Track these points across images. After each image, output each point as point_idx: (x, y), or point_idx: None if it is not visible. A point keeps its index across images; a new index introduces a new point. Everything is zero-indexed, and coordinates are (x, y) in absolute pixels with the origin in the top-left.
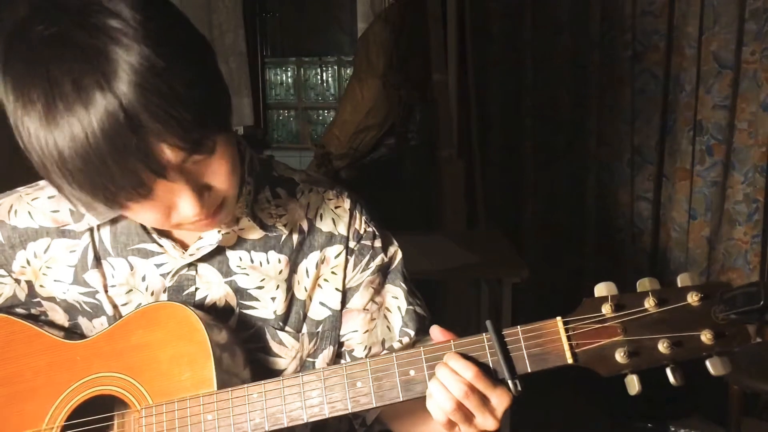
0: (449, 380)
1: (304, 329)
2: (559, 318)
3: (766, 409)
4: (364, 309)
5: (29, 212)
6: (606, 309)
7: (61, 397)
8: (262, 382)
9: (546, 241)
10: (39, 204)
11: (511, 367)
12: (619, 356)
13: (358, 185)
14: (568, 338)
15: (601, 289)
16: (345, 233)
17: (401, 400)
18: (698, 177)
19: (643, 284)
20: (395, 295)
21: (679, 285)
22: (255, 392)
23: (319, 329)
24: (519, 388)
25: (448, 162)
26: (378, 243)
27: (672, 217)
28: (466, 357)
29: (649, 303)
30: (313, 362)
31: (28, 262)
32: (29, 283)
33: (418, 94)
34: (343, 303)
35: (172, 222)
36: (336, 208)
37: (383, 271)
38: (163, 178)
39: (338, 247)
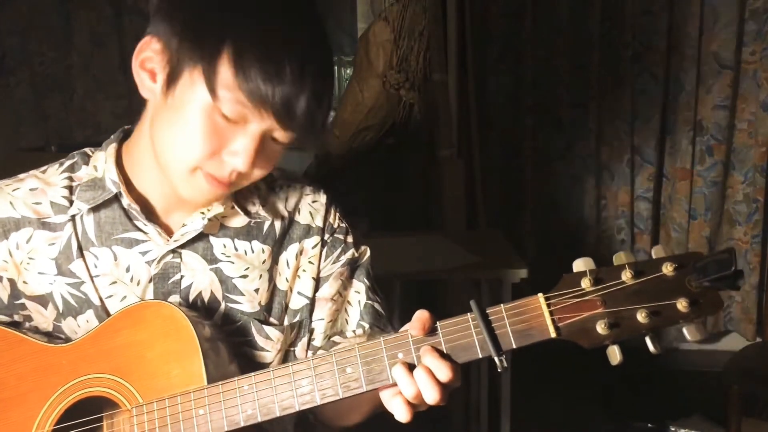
0: (424, 380)
1: (286, 321)
2: (540, 294)
3: (766, 409)
4: (332, 299)
5: (10, 202)
6: (585, 283)
7: (49, 402)
8: (252, 374)
9: (546, 241)
10: (20, 194)
11: (496, 344)
12: (600, 328)
13: (358, 185)
14: (551, 313)
15: (579, 265)
16: (321, 225)
17: (391, 382)
18: (698, 177)
19: (620, 257)
20: (357, 290)
21: (654, 256)
22: (245, 384)
23: (297, 318)
24: (505, 364)
25: (448, 162)
26: (350, 239)
27: (672, 217)
28: (442, 355)
29: (626, 275)
30: (293, 350)
31: (11, 254)
32: (12, 282)
33: (418, 94)
34: (315, 291)
35: (200, 160)
36: (313, 202)
37: (351, 266)
38: (267, 112)
39: (315, 239)
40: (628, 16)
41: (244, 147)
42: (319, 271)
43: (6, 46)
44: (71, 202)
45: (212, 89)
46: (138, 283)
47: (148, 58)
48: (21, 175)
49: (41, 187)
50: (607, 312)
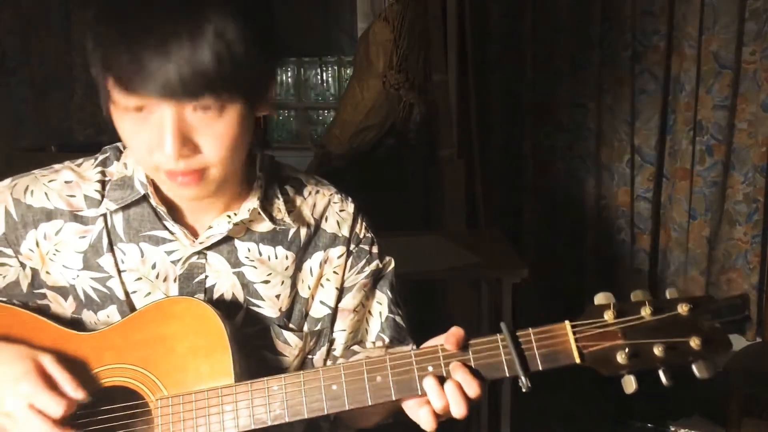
0: (453, 394)
1: (305, 328)
2: (567, 321)
3: (766, 409)
4: (354, 310)
5: (45, 193)
6: (608, 315)
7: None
8: (282, 375)
9: (546, 241)
10: (55, 186)
11: (524, 365)
12: (620, 358)
13: (358, 185)
14: (576, 340)
15: (600, 298)
16: (347, 235)
17: (420, 393)
18: (698, 177)
19: (637, 295)
20: (380, 301)
21: (668, 297)
22: (275, 384)
23: (318, 327)
24: (529, 384)
25: (448, 162)
26: (375, 249)
27: (672, 217)
28: (472, 371)
29: (646, 311)
30: (312, 359)
31: (38, 244)
32: (34, 271)
33: (418, 94)
34: (338, 301)
35: (153, 160)
36: (341, 211)
37: (375, 277)
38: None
39: (341, 248)
40: (628, 16)
41: (160, 134)
42: (343, 281)
43: (6, 45)
44: (103, 197)
45: (107, 92)
46: (164, 280)
47: (105, 104)
48: (56, 166)
49: (76, 180)
50: (627, 344)
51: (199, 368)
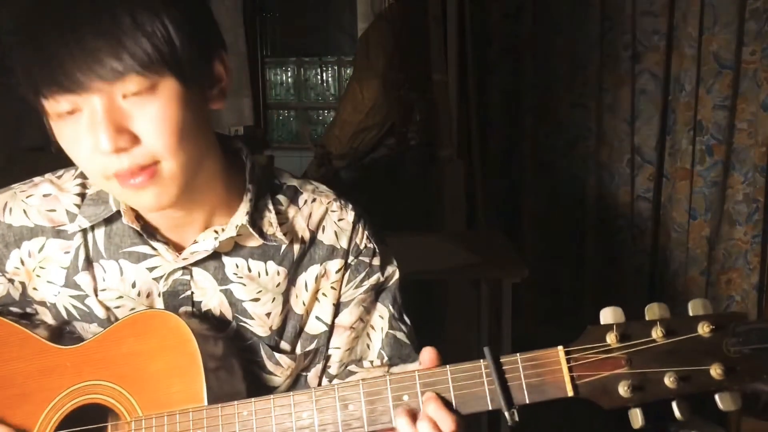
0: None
1: (298, 348)
2: (560, 348)
3: (766, 409)
4: (351, 327)
5: (24, 210)
6: (611, 338)
7: (52, 404)
8: (252, 399)
9: (546, 241)
10: (34, 202)
11: (508, 397)
12: (623, 390)
13: (358, 185)
14: (570, 369)
15: (607, 316)
16: (346, 247)
17: (392, 426)
18: (698, 177)
19: (653, 310)
20: (381, 315)
21: (690, 313)
22: (245, 410)
23: (313, 345)
24: (516, 418)
25: (448, 162)
26: (376, 261)
27: (672, 217)
28: (446, 404)
29: (657, 333)
30: (306, 375)
31: (22, 262)
32: (23, 284)
33: (418, 94)
34: (335, 317)
35: (98, 166)
36: (339, 220)
37: (376, 290)
38: (94, 81)
39: (339, 261)
40: (628, 16)
41: (92, 127)
42: (339, 297)
43: (6, 46)
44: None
45: (42, 111)
46: (147, 296)
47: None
48: (36, 179)
49: (55, 194)
50: (632, 373)
51: (172, 389)
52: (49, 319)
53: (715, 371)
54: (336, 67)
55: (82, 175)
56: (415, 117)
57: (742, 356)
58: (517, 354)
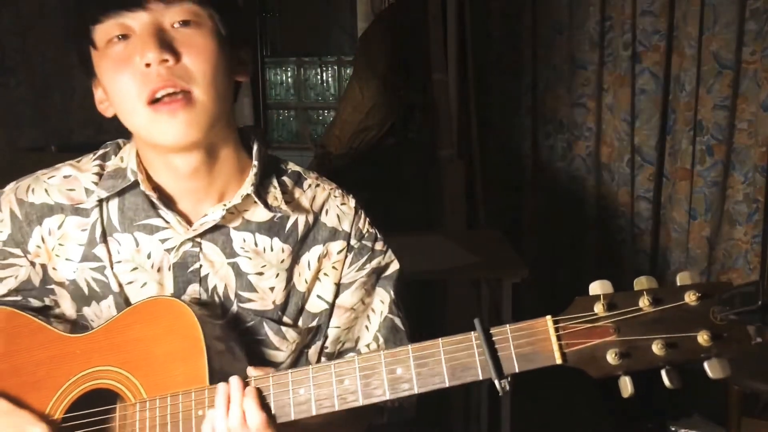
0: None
1: (300, 323)
2: (549, 317)
3: (766, 409)
4: (352, 308)
5: (45, 189)
6: (598, 308)
7: (61, 390)
8: (252, 376)
9: (546, 241)
10: (55, 182)
11: (498, 367)
12: (611, 357)
13: (359, 185)
14: (558, 338)
15: (596, 288)
16: (348, 230)
17: (387, 397)
18: (698, 177)
19: (641, 282)
20: (382, 300)
21: (679, 284)
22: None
23: (314, 322)
24: (507, 388)
25: (448, 162)
26: (378, 246)
27: (672, 217)
28: (261, 399)
29: (644, 302)
30: (307, 352)
31: (43, 240)
32: (43, 268)
33: (418, 94)
34: (335, 297)
35: (138, 91)
36: (341, 205)
37: (377, 274)
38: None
39: (341, 243)
40: (628, 16)
41: (142, 41)
42: (341, 277)
43: (6, 46)
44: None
45: (91, 40)
46: (159, 270)
47: (96, 94)
48: (58, 165)
49: (75, 174)
50: (620, 340)
51: (175, 371)
52: (66, 306)
53: (702, 338)
54: (336, 67)
55: (102, 158)
56: (415, 117)
57: (728, 323)
58: (507, 325)
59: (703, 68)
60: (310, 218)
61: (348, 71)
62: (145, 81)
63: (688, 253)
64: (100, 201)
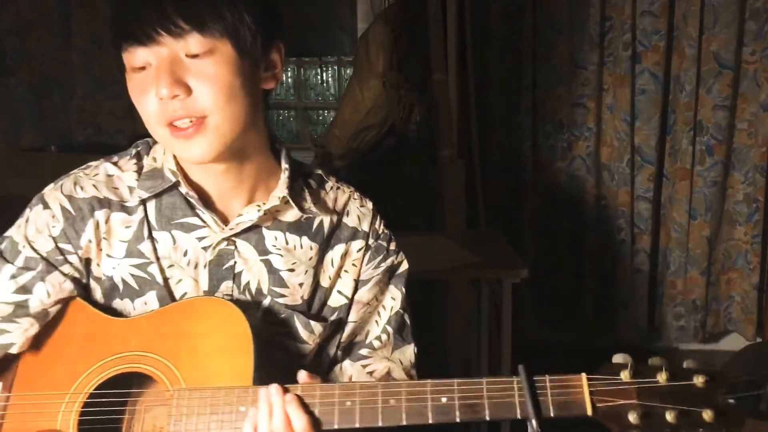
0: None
1: (323, 316)
2: (584, 374)
3: (766, 409)
4: (368, 303)
5: (94, 185)
6: (625, 375)
7: (92, 369)
8: (298, 385)
9: (546, 241)
10: (101, 179)
11: (537, 410)
12: (632, 417)
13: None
14: (591, 393)
15: (618, 358)
16: (367, 230)
17: (430, 421)
18: (698, 177)
19: (654, 361)
20: (394, 296)
21: (684, 366)
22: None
23: (335, 316)
24: (539, 429)
25: (448, 162)
26: (392, 246)
27: (672, 217)
28: (304, 405)
29: (662, 377)
30: (326, 346)
31: (95, 233)
32: (88, 263)
33: (418, 94)
34: (354, 292)
35: (156, 115)
36: (361, 207)
37: (390, 272)
38: (161, 34)
39: (360, 242)
40: (628, 16)
41: (155, 76)
42: (360, 274)
43: (6, 46)
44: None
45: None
46: (195, 267)
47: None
48: (93, 163)
49: (117, 174)
50: (641, 404)
51: (220, 368)
52: (98, 298)
53: (707, 415)
54: (336, 67)
55: (137, 156)
56: (415, 117)
57: (729, 405)
58: (546, 375)
59: (703, 68)
60: (334, 219)
61: (348, 71)
62: (162, 110)
63: (688, 253)
64: (143, 200)
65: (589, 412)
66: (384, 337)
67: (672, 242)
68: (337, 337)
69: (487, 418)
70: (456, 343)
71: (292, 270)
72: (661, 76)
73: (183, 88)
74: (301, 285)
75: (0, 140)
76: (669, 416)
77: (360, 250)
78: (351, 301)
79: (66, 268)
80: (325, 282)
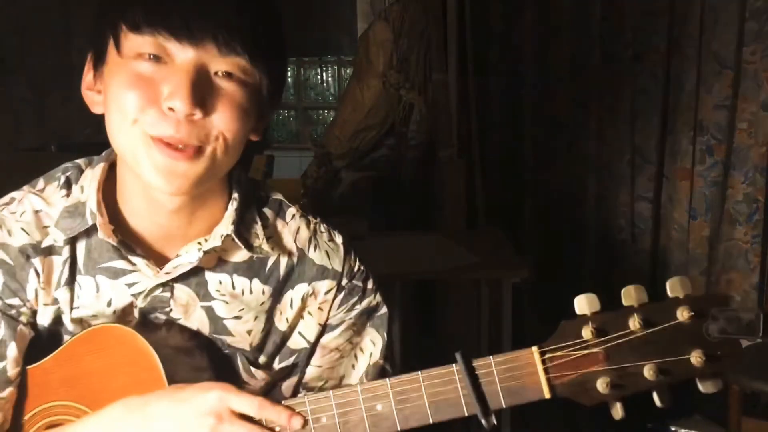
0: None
1: (276, 362)
2: (535, 348)
3: (766, 409)
4: (336, 348)
5: (23, 228)
6: (586, 333)
7: (25, 419)
8: None
9: (546, 241)
10: (28, 218)
11: (483, 402)
12: (602, 386)
13: (358, 185)
14: (545, 370)
15: (582, 304)
16: (339, 269)
17: None
18: (699, 177)
19: (629, 295)
20: (374, 341)
21: (669, 293)
22: None
23: (291, 359)
24: (493, 422)
25: (448, 162)
26: (370, 285)
27: (672, 217)
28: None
29: (634, 323)
30: (280, 386)
31: (37, 281)
32: (34, 314)
33: (418, 94)
34: (319, 337)
35: (143, 118)
36: (329, 241)
37: (367, 314)
38: (189, 38)
39: (330, 282)
40: (628, 16)
41: (176, 82)
42: (328, 318)
43: (6, 46)
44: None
45: (117, 40)
46: (123, 314)
47: (87, 75)
48: (16, 194)
49: (45, 210)
50: (610, 369)
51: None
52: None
53: (696, 359)
54: (336, 67)
55: (67, 186)
56: (415, 117)
57: (723, 341)
58: (491, 357)
59: (704, 68)
60: (294, 253)
61: (348, 71)
62: (159, 120)
63: (688, 253)
64: (68, 240)
65: (547, 394)
66: None
67: (672, 242)
68: (293, 379)
69: (431, 421)
70: (456, 343)
71: (238, 317)
72: (661, 76)
73: (203, 108)
74: (249, 332)
75: (0, 140)
76: (648, 373)
77: (329, 291)
78: (314, 345)
79: (23, 318)
80: (282, 325)
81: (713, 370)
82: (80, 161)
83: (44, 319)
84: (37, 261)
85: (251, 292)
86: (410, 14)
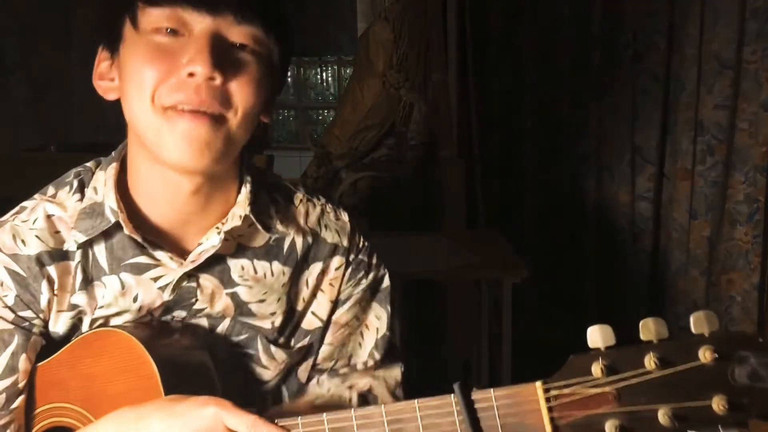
0: None
1: (293, 341)
2: (539, 383)
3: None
4: (346, 324)
5: (37, 236)
6: (596, 370)
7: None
8: None
9: (546, 241)
10: (41, 225)
11: None
12: (610, 429)
13: (358, 185)
14: (549, 408)
15: (595, 337)
16: (347, 245)
17: None
18: (699, 177)
19: (647, 327)
20: (378, 316)
21: (693, 329)
22: None
23: (307, 340)
24: None
25: (448, 162)
26: (374, 260)
27: (673, 218)
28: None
29: (650, 362)
30: (297, 370)
31: (50, 291)
32: (46, 324)
33: (418, 94)
34: (331, 314)
35: (166, 74)
36: (337, 219)
37: (372, 289)
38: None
39: (340, 259)
40: (628, 16)
41: (196, 47)
42: (338, 294)
43: (5, 45)
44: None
45: (134, 18)
46: (150, 309)
47: (101, 65)
48: (28, 204)
49: (58, 214)
50: (621, 412)
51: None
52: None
53: (718, 405)
54: (336, 67)
55: (79, 190)
56: (415, 117)
57: (750, 388)
58: (491, 390)
59: (704, 68)
60: (309, 235)
61: (348, 71)
62: (178, 87)
63: (688, 253)
64: (83, 244)
65: None
66: (370, 362)
67: (672, 242)
68: (309, 361)
69: None
70: (456, 343)
71: (262, 301)
72: (661, 75)
73: (222, 72)
74: (273, 314)
75: (0, 140)
76: (663, 419)
77: (339, 267)
78: (327, 323)
79: (36, 330)
80: (299, 305)
81: (737, 419)
82: (89, 164)
83: (59, 327)
84: (51, 268)
85: (273, 275)
86: (410, 14)
